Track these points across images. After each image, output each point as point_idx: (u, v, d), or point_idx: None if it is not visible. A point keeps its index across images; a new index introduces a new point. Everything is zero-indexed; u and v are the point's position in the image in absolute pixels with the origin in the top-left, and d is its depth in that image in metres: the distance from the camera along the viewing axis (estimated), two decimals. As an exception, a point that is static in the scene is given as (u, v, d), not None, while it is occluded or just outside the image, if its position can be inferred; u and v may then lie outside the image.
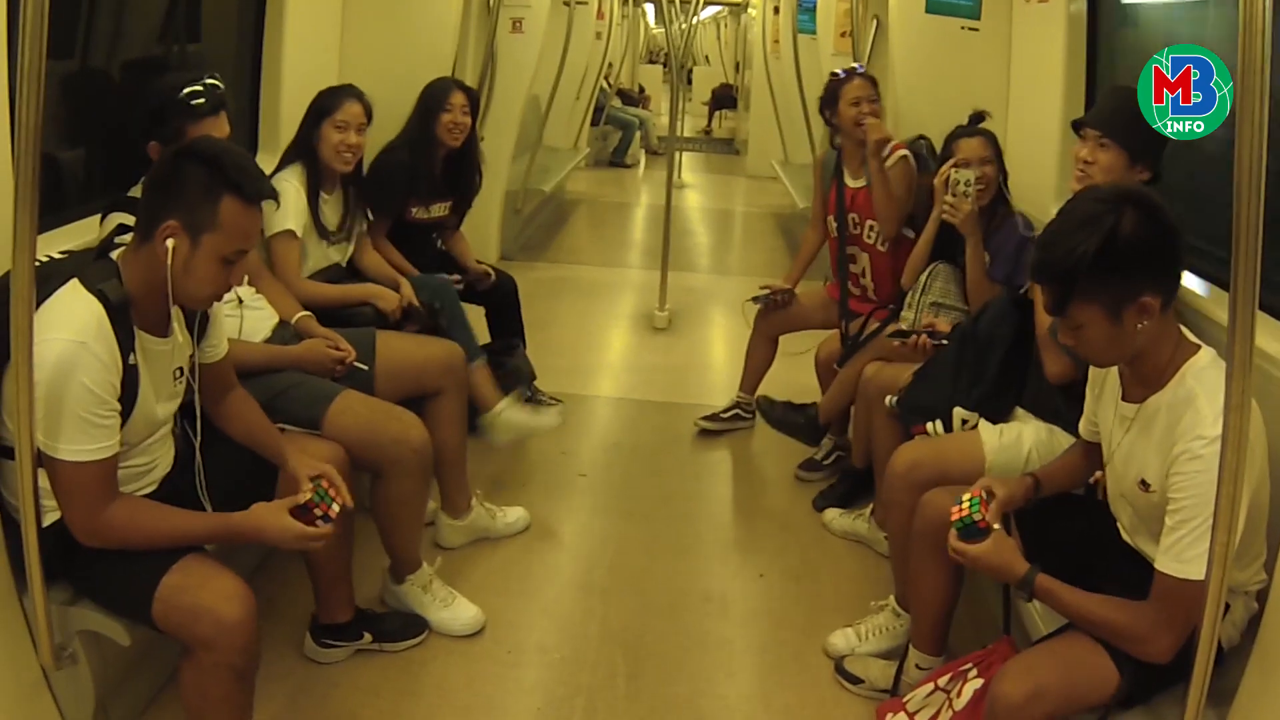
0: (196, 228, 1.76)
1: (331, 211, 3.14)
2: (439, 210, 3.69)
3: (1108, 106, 2.42)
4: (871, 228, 3.55)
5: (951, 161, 2.94)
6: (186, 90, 2.19)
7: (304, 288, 2.96)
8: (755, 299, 3.86)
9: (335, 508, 1.97)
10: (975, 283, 2.94)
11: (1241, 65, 1.28)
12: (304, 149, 3.06)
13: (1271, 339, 1.99)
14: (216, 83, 2.24)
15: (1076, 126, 2.44)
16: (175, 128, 2.17)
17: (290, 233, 2.94)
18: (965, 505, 1.96)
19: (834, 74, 3.63)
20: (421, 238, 3.73)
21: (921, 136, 3.63)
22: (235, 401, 2.16)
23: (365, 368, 2.72)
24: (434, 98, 3.51)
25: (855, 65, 3.55)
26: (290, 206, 2.94)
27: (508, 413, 3.33)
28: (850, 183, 3.62)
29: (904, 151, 3.45)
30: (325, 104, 3.06)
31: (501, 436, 3.37)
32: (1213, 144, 1.87)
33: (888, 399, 2.82)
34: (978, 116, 3.06)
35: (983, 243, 2.93)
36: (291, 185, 2.99)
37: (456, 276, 3.63)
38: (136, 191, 2.24)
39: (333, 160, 3.04)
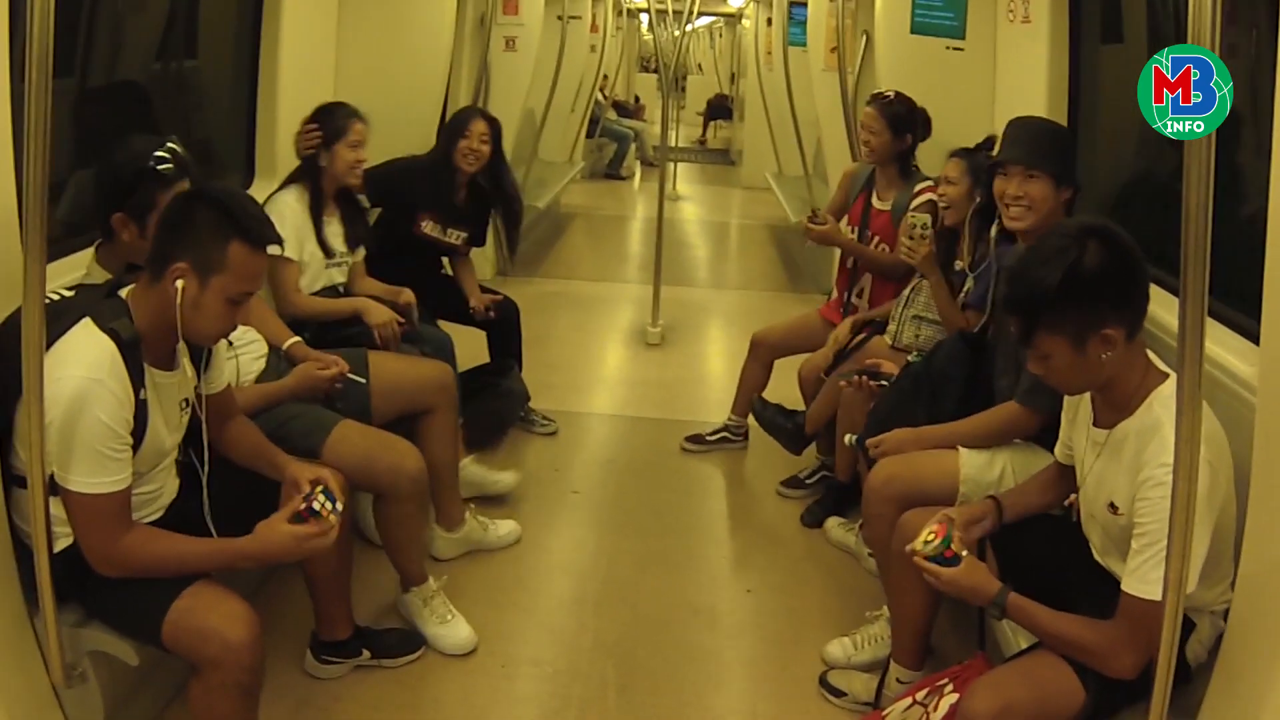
0: (205, 269, 1.84)
1: (333, 232, 3.20)
2: (455, 237, 3.75)
3: (1024, 140, 2.50)
4: (884, 251, 3.59)
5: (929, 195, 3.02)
6: (155, 157, 2.17)
7: (297, 300, 3.04)
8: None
9: (329, 505, 2.00)
10: (946, 318, 3.01)
11: None
12: (306, 170, 3.15)
13: (1237, 356, 2.04)
14: (176, 146, 2.23)
15: (995, 167, 2.50)
16: (147, 197, 2.13)
17: (286, 258, 3.01)
18: (931, 538, 1.98)
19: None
20: (431, 256, 3.81)
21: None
22: (236, 426, 2.23)
23: (362, 380, 2.78)
24: (456, 124, 3.60)
25: (887, 92, 3.60)
26: (288, 228, 2.98)
27: (467, 470, 3.42)
28: (876, 203, 3.68)
29: (930, 196, 3.31)
30: (336, 125, 3.12)
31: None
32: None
33: (847, 437, 2.86)
34: (986, 143, 3.07)
35: (944, 276, 3.00)
36: (290, 206, 3.06)
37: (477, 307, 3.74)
38: (93, 273, 2.20)
39: (345, 176, 3.13)
